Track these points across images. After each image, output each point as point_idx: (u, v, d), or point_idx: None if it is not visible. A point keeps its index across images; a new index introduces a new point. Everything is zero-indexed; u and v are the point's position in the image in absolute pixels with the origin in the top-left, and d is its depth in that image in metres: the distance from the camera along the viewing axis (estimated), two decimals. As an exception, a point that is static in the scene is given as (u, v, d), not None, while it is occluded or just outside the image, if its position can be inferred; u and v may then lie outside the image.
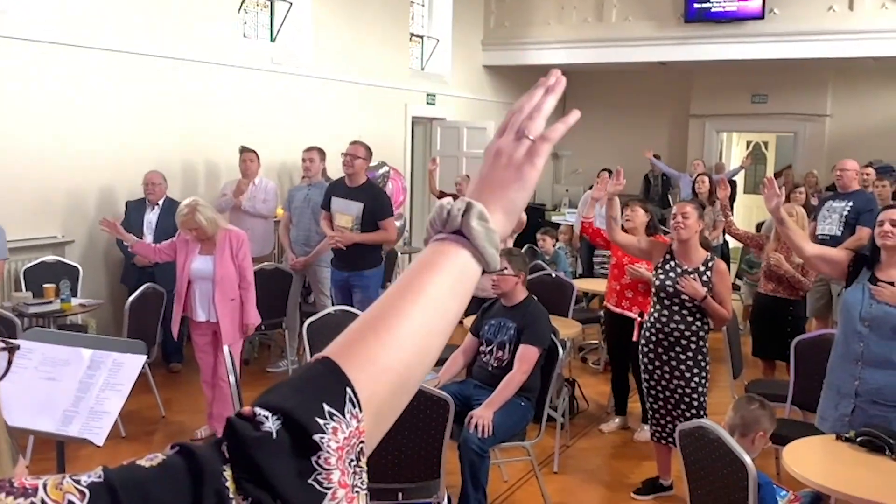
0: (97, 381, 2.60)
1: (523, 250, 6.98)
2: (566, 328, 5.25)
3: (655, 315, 4.33)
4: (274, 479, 0.63)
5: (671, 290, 4.22)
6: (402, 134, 10.57)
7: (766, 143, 15.19)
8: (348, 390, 0.70)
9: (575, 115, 0.96)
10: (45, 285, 5.50)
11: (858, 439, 3.26)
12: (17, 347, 0.97)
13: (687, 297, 4.17)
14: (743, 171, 14.91)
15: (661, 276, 4.28)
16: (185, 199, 4.87)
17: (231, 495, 0.63)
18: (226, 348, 3.97)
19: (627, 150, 12.99)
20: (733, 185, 12.07)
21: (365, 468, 0.69)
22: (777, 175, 14.80)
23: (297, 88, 8.76)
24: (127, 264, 6.36)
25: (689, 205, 4.32)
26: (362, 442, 0.69)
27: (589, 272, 8.63)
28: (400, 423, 3.00)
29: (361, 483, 0.68)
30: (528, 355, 4.07)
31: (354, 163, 5.91)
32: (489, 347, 4.26)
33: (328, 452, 0.65)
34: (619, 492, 4.56)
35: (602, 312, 6.99)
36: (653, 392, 4.35)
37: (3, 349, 0.94)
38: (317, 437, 0.65)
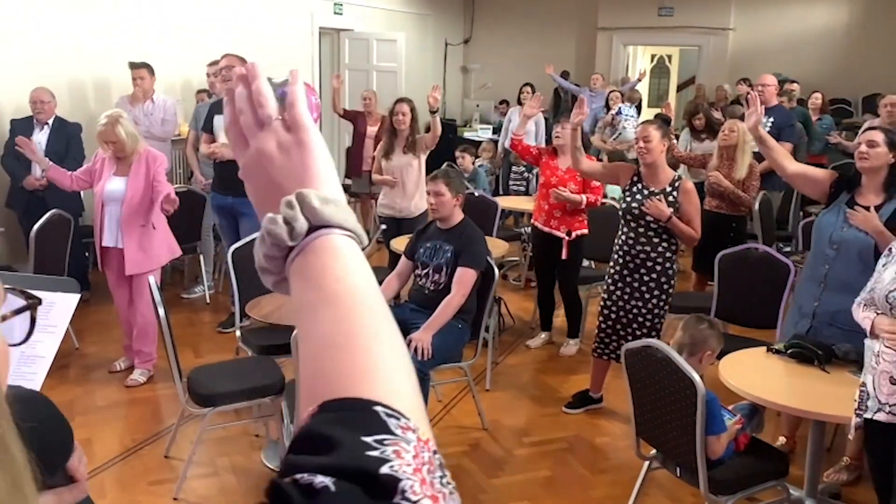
0: (25, 324, 2.40)
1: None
2: (493, 248, 5.22)
3: (623, 238, 4.28)
4: None
5: (637, 212, 4.16)
6: (308, 46, 10.14)
7: (669, 57, 15.38)
8: (378, 409, 0.56)
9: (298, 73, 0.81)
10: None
11: (789, 351, 3.39)
12: (39, 302, 0.86)
13: (652, 219, 4.12)
14: (647, 85, 15.11)
15: (628, 199, 4.22)
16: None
17: None
18: (151, 279, 3.76)
19: (536, 64, 12.87)
20: (638, 100, 12.22)
21: (453, 483, 0.55)
22: (681, 88, 15.11)
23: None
24: (14, 187, 5.91)
25: (650, 126, 4.20)
26: (435, 451, 0.56)
27: (506, 190, 8.62)
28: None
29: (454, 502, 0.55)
30: (465, 278, 4.03)
31: (233, 74, 5.53)
32: (425, 270, 4.20)
33: (410, 479, 0.52)
34: (550, 406, 4.65)
35: (525, 230, 7.05)
36: (605, 311, 4.35)
37: (25, 308, 0.81)
38: (384, 469, 0.52)
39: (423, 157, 5.80)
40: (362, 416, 0.56)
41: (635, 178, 4.25)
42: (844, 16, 12.06)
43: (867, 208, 3.46)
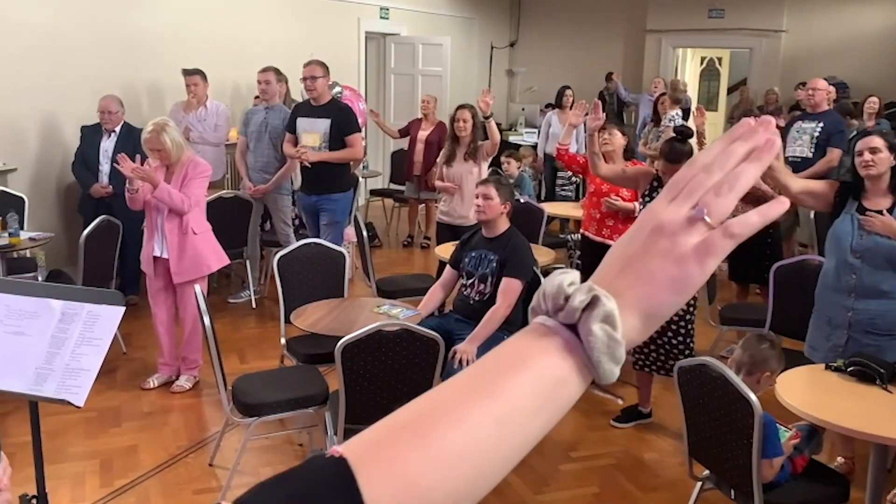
0: (71, 336, 2.39)
1: (487, 174, 6.83)
2: (539, 255, 5.14)
3: None
4: None
5: None
6: (355, 50, 10.16)
7: (719, 59, 15.09)
8: None
9: (782, 205, 0.65)
10: (-10, 218, 5.17)
11: (849, 369, 3.26)
12: None
13: None
14: (696, 87, 14.85)
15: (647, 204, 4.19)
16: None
17: None
18: (197, 287, 3.75)
19: (582, 67, 12.78)
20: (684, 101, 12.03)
21: None
22: (731, 90, 14.82)
23: (243, 1, 8.29)
24: (83, 193, 6.03)
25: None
26: None
27: (551, 195, 8.53)
28: (388, 364, 2.83)
29: None
30: (511, 288, 3.96)
31: (316, 84, 5.75)
32: (470, 280, 4.14)
33: None
34: (598, 419, 4.55)
35: (570, 237, 6.94)
36: None
37: None
38: None
39: (485, 165, 5.77)
40: None
41: (654, 184, 4.21)
42: (902, 16, 11.69)
43: (879, 212, 3.42)
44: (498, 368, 0.61)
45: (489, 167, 7.61)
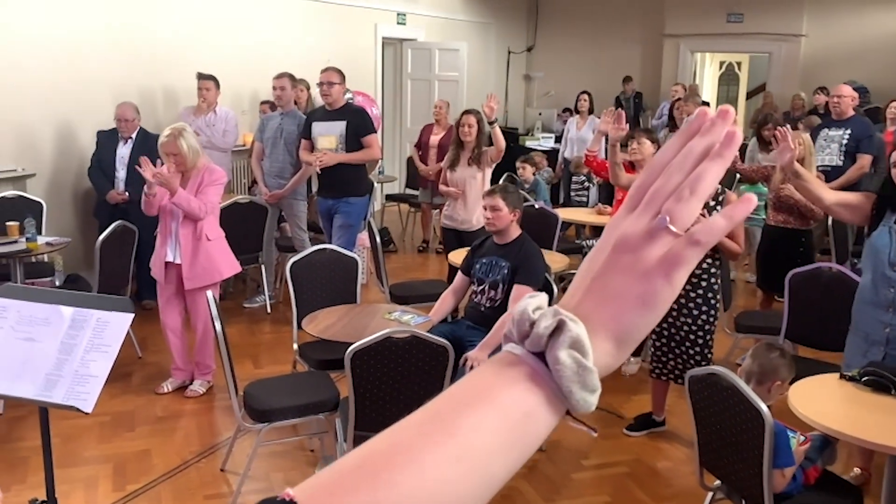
0: (81, 342, 2.41)
1: (502, 180, 6.82)
2: (553, 262, 5.13)
3: None
4: None
5: None
6: (372, 55, 10.19)
7: (738, 64, 15.00)
8: None
9: (748, 205, 0.60)
10: (9, 223, 5.21)
11: (863, 379, 3.21)
12: None
13: None
14: (715, 92, 14.76)
15: None
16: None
17: None
18: (209, 293, 3.77)
19: (600, 72, 12.75)
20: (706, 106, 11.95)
21: None
22: (750, 95, 14.72)
23: (261, 7, 8.33)
24: (99, 198, 6.08)
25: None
26: None
27: (569, 200, 8.51)
28: (398, 371, 2.82)
29: None
30: (522, 295, 3.94)
31: (332, 90, 5.81)
32: (481, 287, 4.13)
33: None
34: (612, 427, 4.53)
35: (585, 243, 6.93)
36: (656, 329, 4.25)
37: None
38: None
39: (489, 171, 5.76)
40: None
41: None
42: (924, 20, 11.57)
43: None
44: (459, 403, 0.57)
45: (504, 172, 7.62)
